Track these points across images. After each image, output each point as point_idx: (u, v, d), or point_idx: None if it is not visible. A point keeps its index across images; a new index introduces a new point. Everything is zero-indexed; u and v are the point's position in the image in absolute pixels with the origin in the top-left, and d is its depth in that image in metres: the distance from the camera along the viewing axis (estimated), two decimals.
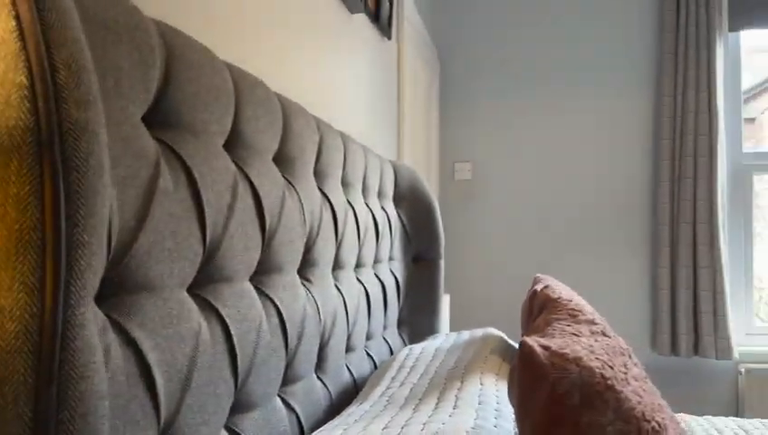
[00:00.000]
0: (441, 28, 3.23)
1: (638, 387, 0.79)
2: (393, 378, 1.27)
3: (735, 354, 2.77)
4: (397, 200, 1.91)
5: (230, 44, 1.16)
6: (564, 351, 0.74)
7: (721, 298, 2.77)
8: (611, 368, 0.76)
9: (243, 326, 0.85)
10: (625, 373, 0.78)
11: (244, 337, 0.85)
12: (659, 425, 0.74)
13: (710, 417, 1.75)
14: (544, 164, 3.12)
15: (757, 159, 3.03)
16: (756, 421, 1.72)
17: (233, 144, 0.88)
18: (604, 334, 0.90)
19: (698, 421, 1.71)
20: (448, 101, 3.26)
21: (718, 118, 2.82)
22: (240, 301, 0.85)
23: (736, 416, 2.79)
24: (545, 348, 0.74)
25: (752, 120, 8.01)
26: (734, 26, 2.92)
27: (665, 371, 2.91)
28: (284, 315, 0.98)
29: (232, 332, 0.82)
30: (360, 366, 1.44)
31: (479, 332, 1.62)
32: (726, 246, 2.85)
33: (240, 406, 0.87)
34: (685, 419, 1.68)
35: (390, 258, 1.80)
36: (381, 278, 1.65)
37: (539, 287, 1.12)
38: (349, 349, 1.40)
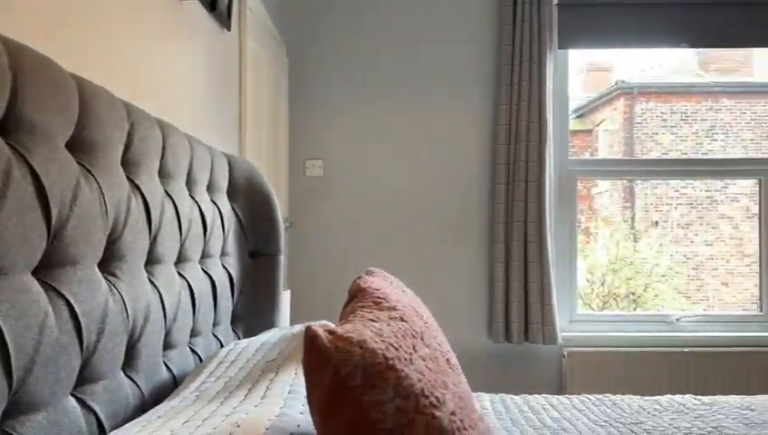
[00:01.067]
0: (290, 24, 3.22)
1: (423, 366, 0.83)
2: (211, 373, 1.24)
3: (560, 339, 3.02)
4: (232, 194, 1.87)
5: (53, 35, 1.08)
6: (350, 335, 0.76)
7: (548, 290, 3.00)
8: (396, 349, 0.79)
9: (21, 323, 0.79)
10: (410, 354, 0.81)
11: (21, 334, 0.79)
12: (438, 399, 0.78)
13: (527, 395, 1.89)
14: (392, 163, 3.21)
15: (581, 165, 3.30)
16: (563, 397, 1.88)
17: (10, 127, 0.82)
18: (402, 319, 0.94)
19: (514, 400, 1.84)
20: (299, 98, 3.25)
21: (547, 127, 3.04)
22: (17, 295, 0.80)
23: (560, 394, 3.03)
24: (330, 332, 0.76)
25: (588, 131, 8.77)
26: (563, 45, 3.16)
27: (500, 356, 3.11)
28: (78, 311, 0.93)
29: (4, 329, 0.76)
30: (183, 363, 1.40)
31: (309, 324, 1.63)
32: (553, 243, 3.09)
33: (19, 409, 0.81)
34: (483, 396, 1.80)
35: (223, 253, 1.77)
36: (210, 273, 1.61)
37: (357, 279, 1.15)
38: (168, 346, 1.35)
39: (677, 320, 3.24)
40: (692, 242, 7.15)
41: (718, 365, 3.02)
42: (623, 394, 1.91)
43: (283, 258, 2.06)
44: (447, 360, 1.05)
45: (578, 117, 8.02)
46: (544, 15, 3.04)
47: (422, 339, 0.91)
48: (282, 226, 2.04)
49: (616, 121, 7.52)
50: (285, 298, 2.44)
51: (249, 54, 2.47)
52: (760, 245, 3.25)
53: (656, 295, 6.54)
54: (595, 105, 7.89)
